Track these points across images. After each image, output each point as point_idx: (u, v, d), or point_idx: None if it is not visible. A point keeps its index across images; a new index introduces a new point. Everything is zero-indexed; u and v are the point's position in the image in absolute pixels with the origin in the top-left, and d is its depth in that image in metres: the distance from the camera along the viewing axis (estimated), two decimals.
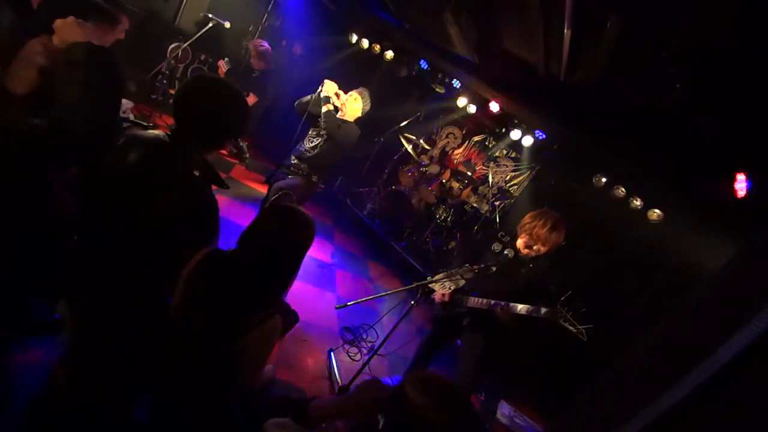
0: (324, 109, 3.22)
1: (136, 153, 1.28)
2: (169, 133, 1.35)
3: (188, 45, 5.12)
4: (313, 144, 3.31)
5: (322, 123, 3.25)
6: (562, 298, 2.21)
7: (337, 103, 3.28)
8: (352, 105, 3.32)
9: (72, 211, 1.57)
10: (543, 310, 2.23)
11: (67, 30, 1.23)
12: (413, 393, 0.93)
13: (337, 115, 3.28)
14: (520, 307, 2.33)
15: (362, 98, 3.37)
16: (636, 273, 4.51)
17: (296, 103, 3.40)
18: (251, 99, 4.60)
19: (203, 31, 5.00)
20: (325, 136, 3.26)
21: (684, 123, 3.09)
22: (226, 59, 4.77)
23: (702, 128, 3.01)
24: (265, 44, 4.67)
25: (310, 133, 3.38)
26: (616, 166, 4.80)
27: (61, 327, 1.52)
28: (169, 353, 1.29)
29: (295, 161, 3.32)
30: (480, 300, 2.55)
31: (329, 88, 3.27)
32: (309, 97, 3.32)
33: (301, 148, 3.34)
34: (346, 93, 3.37)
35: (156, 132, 1.37)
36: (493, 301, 2.47)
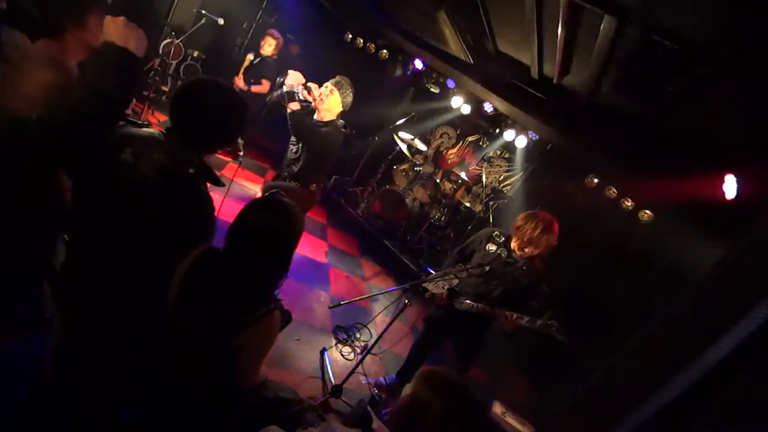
0: (288, 109, 2.58)
1: (130, 151, 1.26)
2: (164, 131, 1.34)
3: (181, 41, 5.07)
4: (295, 154, 2.80)
5: (290, 128, 2.64)
6: (549, 311, 2.24)
7: (309, 99, 2.64)
8: (329, 100, 2.69)
9: (62, 209, 1.55)
10: (538, 322, 2.24)
11: (113, 28, 1.19)
12: (432, 397, 0.90)
13: (314, 117, 2.75)
14: (516, 317, 2.33)
15: (340, 90, 2.71)
16: (627, 273, 4.56)
17: (267, 99, 2.92)
18: (266, 84, 4.62)
19: (196, 27, 4.95)
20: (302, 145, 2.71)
21: (674, 124, 3.13)
22: (252, 54, 4.79)
23: (692, 130, 3.06)
24: (277, 34, 4.75)
25: (291, 138, 2.84)
26: (608, 167, 4.85)
27: (49, 326, 1.50)
28: (162, 352, 1.28)
29: (286, 173, 2.89)
30: (474, 304, 2.54)
31: (293, 79, 2.58)
32: (278, 92, 2.71)
33: (286, 158, 2.89)
34: (321, 85, 2.72)
35: (150, 130, 1.35)
36: (488, 307, 2.47)
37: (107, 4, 1.76)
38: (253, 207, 1.30)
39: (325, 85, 2.74)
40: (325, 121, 2.76)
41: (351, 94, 2.78)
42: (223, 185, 1.44)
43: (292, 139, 2.83)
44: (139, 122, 1.39)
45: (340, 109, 2.78)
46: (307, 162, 2.75)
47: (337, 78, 2.76)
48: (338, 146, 2.88)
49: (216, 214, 1.44)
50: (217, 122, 1.36)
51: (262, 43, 4.72)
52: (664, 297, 3.84)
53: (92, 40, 1.64)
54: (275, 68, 4.78)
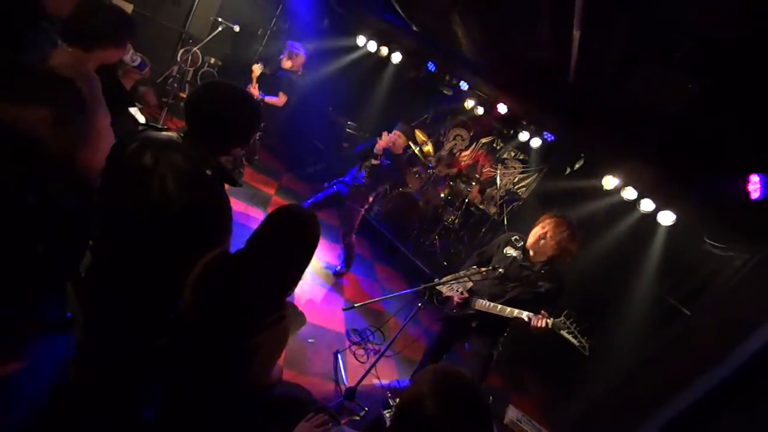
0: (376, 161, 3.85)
1: (149, 154, 1.29)
2: (182, 134, 1.37)
3: (198, 48, 5.19)
4: (366, 177, 3.92)
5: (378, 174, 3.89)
6: (566, 311, 2.18)
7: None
8: (397, 143, 3.88)
9: (85, 211, 1.60)
10: (549, 321, 2.20)
11: None
12: (424, 380, 0.89)
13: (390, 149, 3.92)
14: (526, 314, 2.30)
15: (404, 133, 3.89)
16: (647, 276, 4.45)
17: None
18: (282, 98, 4.63)
19: (213, 35, 5.06)
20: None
21: (696, 124, 3.05)
22: (261, 63, 4.77)
23: (714, 129, 2.97)
24: (301, 49, 4.70)
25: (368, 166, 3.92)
26: (626, 168, 4.75)
27: (72, 325, 1.54)
28: (179, 352, 1.30)
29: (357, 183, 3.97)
30: (488, 303, 2.53)
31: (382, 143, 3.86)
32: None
33: (356, 176, 3.96)
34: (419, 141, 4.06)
35: (169, 133, 1.39)
36: (499, 306, 2.44)
37: (132, 38, 1.79)
38: (279, 214, 1.32)
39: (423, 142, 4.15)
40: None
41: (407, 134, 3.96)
42: (241, 186, 1.46)
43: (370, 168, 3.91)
44: (159, 126, 1.42)
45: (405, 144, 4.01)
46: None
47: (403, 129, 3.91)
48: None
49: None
50: (230, 123, 1.38)
51: (282, 60, 4.71)
52: (686, 299, 3.73)
53: (109, 60, 1.71)
54: (298, 84, 4.77)
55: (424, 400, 0.87)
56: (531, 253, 2.55)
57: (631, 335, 3.87)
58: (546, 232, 2.47)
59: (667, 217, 4.38)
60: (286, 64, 4.64)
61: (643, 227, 4.65)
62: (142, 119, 2.43)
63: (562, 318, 2.16)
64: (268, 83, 4.69)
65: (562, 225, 2.47)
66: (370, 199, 4.04)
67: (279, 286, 1.30)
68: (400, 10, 4.96)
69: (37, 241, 1.62)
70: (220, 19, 5.22)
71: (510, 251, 2.63)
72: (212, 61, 6.03)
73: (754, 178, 2.80)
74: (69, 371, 1.47)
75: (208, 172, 1.34)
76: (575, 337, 2.11)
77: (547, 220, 2.51)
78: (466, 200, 5.75)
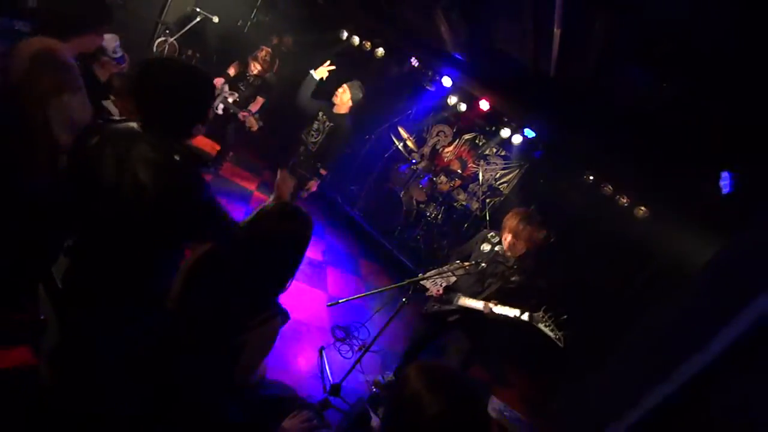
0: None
1: (111, 147, 1.24)
2: (141, 123, 1.31)
3: (175, 39, 5.03)
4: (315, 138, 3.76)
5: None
6: (544, 307, 2.24)
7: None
8: (341, 98, 3.62)
9: (55, 211, 1.53)
10: (526, 315, 2.26)
11: None
12: (414, 378, 0.89)
13: (333, 109, 3.65)
14: (505, 310, 2.35)
15: (350, 89, 3.62)
16: (622, 269, 4.59)
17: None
18: (259, 102, 4.51)
19: (190, 25, 4.91)
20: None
21: (670, 121, 3.15)
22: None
23: (688, 127, 3.07)
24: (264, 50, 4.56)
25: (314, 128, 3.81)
26: (604, 164, 4.87)
27: (44, 327, 1.48)
28: (162, 348, 1.27)
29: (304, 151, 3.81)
30: (470, 301, 2.56)
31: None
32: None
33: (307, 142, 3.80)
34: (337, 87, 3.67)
35: (129, 124, 1.31)
36: (481, 302, 2.48)
37: (110, 23, 1.75)
38: (276, 213, 1.28)
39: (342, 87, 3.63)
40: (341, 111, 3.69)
41: (360, 94, 3.62)
42: (212, 167, 1.42)
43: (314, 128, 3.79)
44: (117, 118, 1.37)
45: (350, 105, 3.65)
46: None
47: (352, 81, 3.65)
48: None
49: None
50: (181, 99, 1.30)
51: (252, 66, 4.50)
52: (660, 293, 3.87)
53: (87, 47, 1.67)
54: (273, 83, 4.68)
55: (422, 398, 0.85)
56: (506, 248, 2.61)
57: (608, 327, 3.99)
58: (510, 232, 2.53)
59: (641, 212, 4.54)
60: (255, 69, 4.47)
61: (619, 222, 4.79)
62: (116, 111, 2.35)
63: (540, 312, 2.22)
64: (245, 96, 4.49)
65: (512, 219, 2.53)
66: (323, 172, 3.80)
67: (271, 285, 1.28)
68: (383, 5, 4.93)
69: (5, 237, 1.55)
70: (198, 9, 5.06)
71: (486, 247, 2.69)
72: (190, 52, 5.85)
73: (725, 174, 2.93)
74: (43, 374, 1.42)
75: (176, 157, 1.28)
76: (552, 330, 2.18)
77: (509, 223, 2.54)
78: (449, 196, 5.79)
